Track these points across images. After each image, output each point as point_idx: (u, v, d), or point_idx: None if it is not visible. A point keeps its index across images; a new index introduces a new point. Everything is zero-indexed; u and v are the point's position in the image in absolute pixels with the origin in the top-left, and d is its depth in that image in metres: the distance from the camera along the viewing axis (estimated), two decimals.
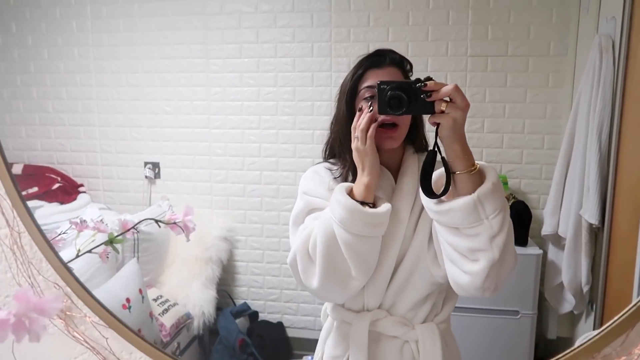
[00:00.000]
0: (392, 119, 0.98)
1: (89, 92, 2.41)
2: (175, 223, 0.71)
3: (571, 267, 1.80)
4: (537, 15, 2.08)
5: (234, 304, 2.39)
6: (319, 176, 1.06)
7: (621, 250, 1.62)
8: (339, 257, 0.92)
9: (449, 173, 0.86)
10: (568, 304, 1.90)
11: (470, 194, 0.84)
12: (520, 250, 1.95)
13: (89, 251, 0.72)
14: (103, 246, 0.71)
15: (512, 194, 2.15)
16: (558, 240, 1.90)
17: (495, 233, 0.83)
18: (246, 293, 2.43)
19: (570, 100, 2.07)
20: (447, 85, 0.81)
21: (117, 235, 0.71)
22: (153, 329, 1.99)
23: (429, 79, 0.83)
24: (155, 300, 2.09)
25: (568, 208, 1.80)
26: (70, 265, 0.83)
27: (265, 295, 2.40)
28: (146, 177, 2.45)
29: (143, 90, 2.39)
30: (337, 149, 1.06)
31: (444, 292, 1.07)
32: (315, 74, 2.21)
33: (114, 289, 1.76)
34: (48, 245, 0.80)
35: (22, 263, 0.84)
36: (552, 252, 1.95)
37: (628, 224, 1.58)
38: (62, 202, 2.25)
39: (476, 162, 0.87)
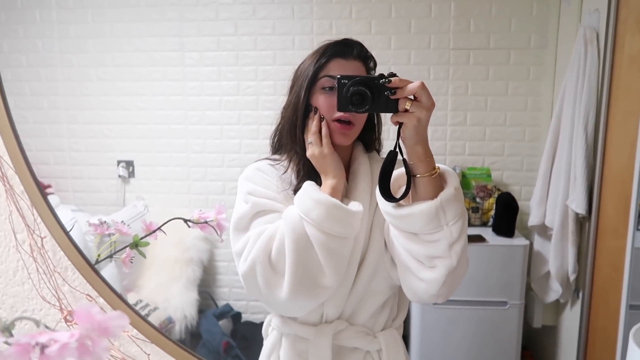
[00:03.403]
0: (349, 117, 0.92)
1: (54, 87, 2.26)
2: (206, 222, 0.64)
3: (558, 256, 1.83)
4: (517, 7, 2.10)
5: (216, 306, 2.32)
6: (263, 175, 0.97)
7: (609, 238, 1.65)
8: (311, 262, 0.86)
9: (410, 176, 0.82)
10: (554, 293, 1.93)
11: (430, 198, 0.80)
12: (507, 241, 1.98)
13: (110, 257, 0.65)
14: (126, 250, 0.64)
15: (495, 186, 2.17)
16: (544, 231, 1.93)
17: (454, 240, 0.81)
18: (228, 294, 2.36)
19: (551, 93, 2.10)
20: (412, 82, 0.76)
21: (142, 237, 0.64)
22: None
23: (393, 74, 0.77)
24: (135, 305, 1.99)
25: (555, 198, 1.83)
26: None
27: (247, 295, 2.30)
28: (119, 176, 2.33)
29: (113, 85, 2.26)
30: (286, 138, 0.98)
31: (397, 295, 1.03)
32: None
33: None
34: (77, 251, 0.70)
35: (45, 272, 0.73)
36: (538, 243, 1.98)
37: (615, 213, 1.61)
38: None
39: (437, 165, 0.83)
